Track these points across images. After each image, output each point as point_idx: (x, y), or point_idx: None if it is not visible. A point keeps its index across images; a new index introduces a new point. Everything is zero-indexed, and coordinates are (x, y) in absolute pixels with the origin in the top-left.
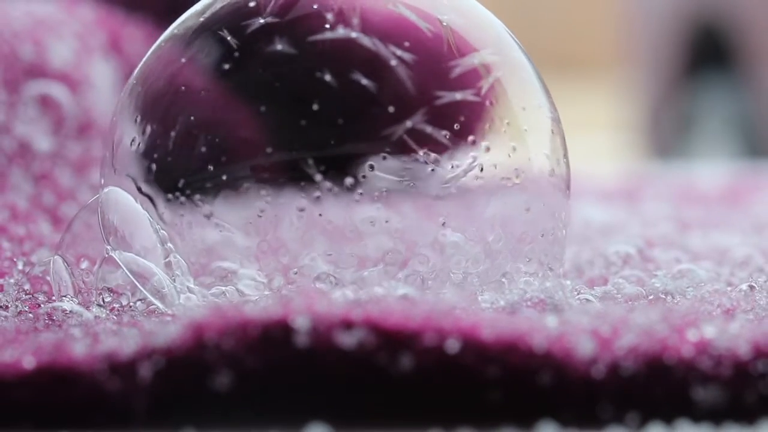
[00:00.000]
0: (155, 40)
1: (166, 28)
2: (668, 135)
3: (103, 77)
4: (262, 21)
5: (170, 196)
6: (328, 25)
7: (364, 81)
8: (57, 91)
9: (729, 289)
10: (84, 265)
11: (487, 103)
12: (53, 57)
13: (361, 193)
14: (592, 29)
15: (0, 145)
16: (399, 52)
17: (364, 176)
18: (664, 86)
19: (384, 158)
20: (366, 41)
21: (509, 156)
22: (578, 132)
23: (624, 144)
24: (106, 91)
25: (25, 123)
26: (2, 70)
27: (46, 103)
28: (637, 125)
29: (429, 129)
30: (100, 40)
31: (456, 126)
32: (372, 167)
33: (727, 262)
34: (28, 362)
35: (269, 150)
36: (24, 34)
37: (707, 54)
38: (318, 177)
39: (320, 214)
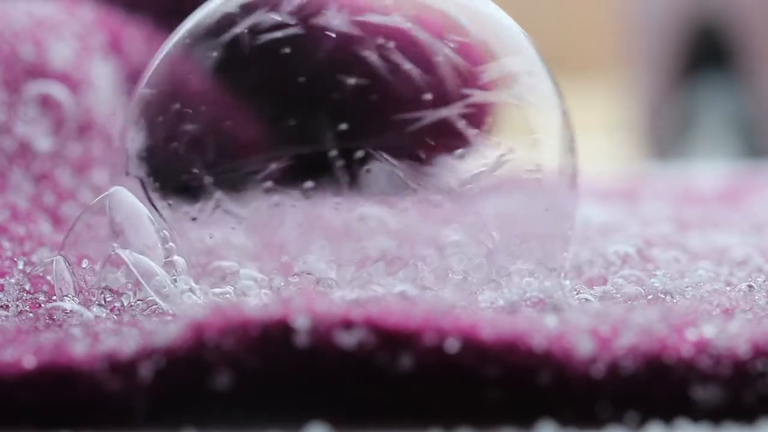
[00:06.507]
0: (155, 41)
1: (166, 28)
2: (667, 135)
3: (103, 77)
4: (269, 20)
5: (172, 196)
6: (332, 33)
7: (369, 80)
8: (57, 91)
9: (728, 288)
10: (85, 264)
11: (496, 100)
12: (53, 57)
13: (361, 192)
14: (592, 29)
15: (0, 145)
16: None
17: (366, 172)
18: (663, 86)
19: (386, 157)
20: (373, 40)
21: (519, 154)
22: (577, 132)
23: (623, 144)
24: (106, 91)
25: (25, 123)
26: (2, 70)
27: (46, 103)
28: (636, 125)
29: (437, 128)
30: (100, 40)
31: (464, 125)
32: (370, 168)
33: (726, 262)
34: (29, 362)
35: (271, 150)
36: (24, 34)
37: (706, 54)
38: (318, 176)
39: (322, 214)
